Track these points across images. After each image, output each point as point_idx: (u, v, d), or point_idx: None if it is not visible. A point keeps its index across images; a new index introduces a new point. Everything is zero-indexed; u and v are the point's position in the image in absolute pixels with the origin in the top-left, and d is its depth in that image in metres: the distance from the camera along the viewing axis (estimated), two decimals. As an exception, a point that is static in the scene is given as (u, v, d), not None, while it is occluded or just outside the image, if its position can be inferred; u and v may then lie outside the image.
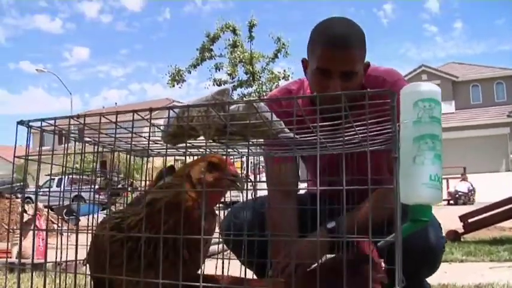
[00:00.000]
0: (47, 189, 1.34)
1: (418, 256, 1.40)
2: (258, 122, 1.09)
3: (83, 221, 1.54)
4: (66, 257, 1.23)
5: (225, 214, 1.68)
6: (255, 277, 1.49)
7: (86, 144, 1.25)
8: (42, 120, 1.09)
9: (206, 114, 1.08)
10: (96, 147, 1.27)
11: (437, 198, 0.99)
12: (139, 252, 1.00)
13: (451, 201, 15.31)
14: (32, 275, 1.18)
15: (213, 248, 1.52)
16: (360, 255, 1.10)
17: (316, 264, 1.25)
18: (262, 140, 1.31)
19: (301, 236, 1.49)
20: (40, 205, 4.47)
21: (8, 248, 3.85)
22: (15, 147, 1.12)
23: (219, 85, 14.88)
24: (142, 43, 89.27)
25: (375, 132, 1.09)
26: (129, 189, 1.47)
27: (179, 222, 0.98)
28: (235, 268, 1.35)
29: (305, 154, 1.50)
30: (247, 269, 1.20)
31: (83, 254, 1.18)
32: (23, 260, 1.76)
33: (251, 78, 15.17)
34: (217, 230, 1.32)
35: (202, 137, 1.19)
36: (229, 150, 1.30)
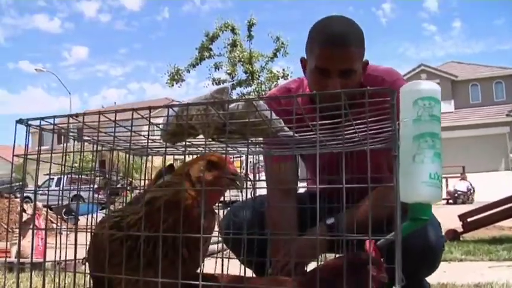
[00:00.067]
0: (46, 189, 1.33)
1: (417, 255, 1.40)
2: (258, 120, 1.09)
3: (82, 220, 1.54)
4: (66, 256, 1.23)
5: (225, 213, 1.68)
6: (254, 276, 1.49)
7: (85, 143, 1.25)
8: (42, 119, 1.09)
9: (205, 113, 1.08)
10: (95, 146, 1.27)
11: (437, 196, 0.99)
12: (139, 251, 1.00)
13: (450, 201, 15.31)
14: (31, 275, 1.17)
15: (213, 247, 1.52)
16: (361, 254, 1.09)
17: (316, 263, 1.25)
18: (261, 138, 1.31)
19: (301, 235, 1.49)
20: (39, 204, 4.46)
21: (7, 247, 3.85)
22: (14, 146, 1.11)
23: (218, 84, 14.86)
24: (141, 42, 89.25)
25: (374, 131, 1.09)
26: (128, 188, 1.47)
27: (178, 220, 0.98)
28: (234, 267, 1.35)
29: (304, 153, 1.50)
30: (246, 268, 1.20)
31: (82, 253, 1.18)
32: (22, 260, 1.77)
33: (250, 78, 15.17)
34: (216, 228, 1.32)
35: (201, 136, 1.19)
36: (228, 149, 1.30)
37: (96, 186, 1.63)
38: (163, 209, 1.00)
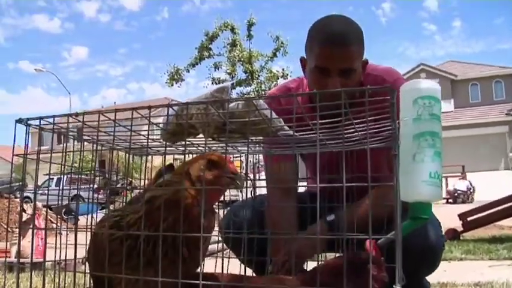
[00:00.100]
0: (46, 189, 1.33)
1: (417, 254, 1.40)
2: (258, 119, 1.08)
3: (82, 220, 1.54)
4: (66, 255, 1.23)
5: (225, 213, 1.68)
6: (254, 275, 1.49)
7: (85, 143, 1.25)
8: (41, 118, 1.09)
9: (205, 112, 1.08)
10: (95, 145, 1.27)
11: (437, 195, 0.99)
12: (139, 250, 1.00)
13: (450, 200, 15.30)
14: (31, 274, 1.17)
15: (212, 247, 1.52)
16: (361, 253, 1.09)
17: (316, 261, 1.25)
18: (261, 137, 1.31)
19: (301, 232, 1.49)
20: (39, 204, 4.46)
21: (7, 247, 3.85)
22: (13, 145, 1.11)
23: (218, 84, 14.84)
24: (141, 42, 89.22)
25: (374, 130, 1.08)
26: (128, 188, 1.47)
27: (178, 219, 0.98)
28: (234, 267, 1.35)
29: (304, 152, 1.50)
30: (246, 268, 1.20)
31: (82, 253, 1.17)
32: (22, 260, 1.77)
33: (250, 77, 15.15)
34: (216, 228, 1.32)
35: (201, 135, 1.19)
36: (228, 148, 1.30)
37: (95, 186, 1.63)
38: (163, 208, 1.00)
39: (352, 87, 1.46)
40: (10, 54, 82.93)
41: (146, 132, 1.17)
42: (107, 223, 1.07)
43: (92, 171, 1.57)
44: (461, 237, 5.38)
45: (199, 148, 1.35)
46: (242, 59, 15.05)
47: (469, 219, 5.46)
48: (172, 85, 15.78)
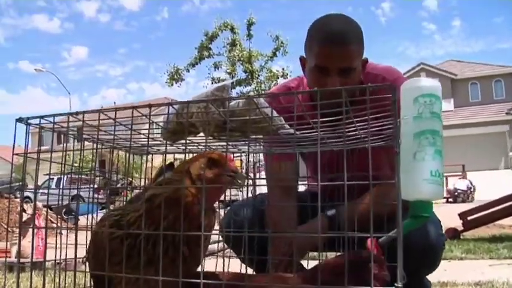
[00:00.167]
0: (46, 189, 1.33)
1: (418, 253, 1.40)
2: (258, 118, 1.08)
3: (82, 220, 1.54)
4: (66, 255, 1.22)
5: (225, 212, 1.67)
6: (255, 274, 1.49)
7: (85, 143, 1.25)
8: (41, 117, 1.08)
9: (206, 111, 1.07)
10: (95, 145, 1.26)
11: (438, 194, 0.98)
12: (139, 248, 1.00)
13: (450, 199, 15.30)
14: (31, 274, 1.17)
15: (212, 246, 1.52)
16: (362, 252, 1.09)
17: (317, 261, 1.24)
18: (262, 136, 1.31)
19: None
20: (39, 204, 4.46)
21: (7, 247, 3.84)
22: (13, 144, 1.11)
23: (218, 83, 14.81)
24: (141, 42, 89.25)
25: (374, 129, 1.08)
26: (128, 188, 1.46)
27: (179, 217, 0.97)
28: (235, 266, 1.35)
29: (305, 151, 1.50)
30: (247, 267, 1.20)
31: (82, 253, 1.17)
32: (22, 259, 1.76)
33: (250, 77, 15.14)
34: (217, 227, 1.32)
35: (202, 134, 1.19)
36: (229, 146, 1.30)
37: (96, 186, 1.63)
38: (164, 206, 1.00)
39: (352, 85, 1.46)
40: (10, 54, 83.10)
41: (146, 131, 1.17)
42: (107, 222, 1.07)
43: (92, 171, 1.57)
44: (461, 237, 5.38)
45: (199, 147, 1.35)
46: (242, 59, 15.03)
47: (469, 218, 5.47)
48: (172, 85, 15.77)
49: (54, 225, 5.75)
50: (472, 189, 15.74)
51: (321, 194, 1.02)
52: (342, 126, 1.07)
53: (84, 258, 1.17)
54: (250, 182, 1.31)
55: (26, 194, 1.81)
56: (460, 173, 16.51)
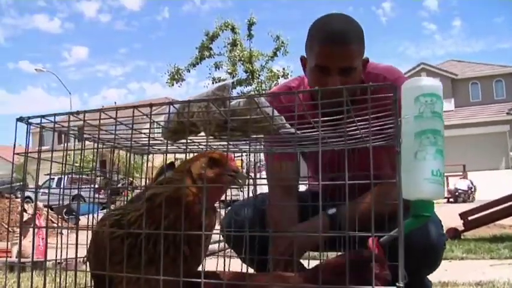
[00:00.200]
0: (47, 189, 1.33)
1: (419, 253, 1.40)
2: (259, 117, 1.08)
3: (83, 220, 1.54)
4: (66, 255, 1.22)
5: (226, 212, 1.67)
6: (256, 273, 1.49)
7: (86, 142, 1.25)
8: (42, 117, 1.08)
9: (207, 110, 1.07)
10: (95, 144, 1.26)
11: (440, 193, 0.98)
12: (140, 248, 1.00)
13: (451, 199, 15.30)
14: (32, 274, 1.17)
15: (213, 246, 1.52)
16: (364, 251, 1.09)
17: (317, 260, 1.24)
18: (263, 135, 1.31)
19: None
20: (40, 204, 4.46)
21: (7, 247, 3.85)
22: (14, 144, 1.11)
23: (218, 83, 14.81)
24: (141, 42, 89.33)
25: (375, 129, 1.08)
26: (128, 188, 1.46)
27: (179, 217, 0.97)
28: (235, 266, 1.35)
29: (306, 150, 1.50)
30: (248, 267, 1.20)
31: (83, 253, 1.17)
32: (23, 259, 1.76)
33: (250, 77, 15.15)
34: (217, 227, 1.32)
35: (202, 133, 1.19)
36: (230, 146, 1.30)
37: (96, 186, 1.63)
38: (165, 205, 1.00)
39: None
40: (10, 54, 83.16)
41: (147, 131, 1.17)
42: (108, 221, 1.07)
43: (93, 171, 1.57)
44: (462, 237, 5.38)
45: (200, 146, 1.35)
46: (243, 59, 15.04)
47: (470, 218, 5.46)
48: (172, 85, 15.78)
49: (55, 225, 5.75)
50: (472, 189, 15.74)
51: (322, 193, 1.02)
52: (342, 126, 1.07)
53: (85, 258, 1.17)
54: (251, 181, 1.31)
55: (26, 193, 1.82)
56: (461, 173, 16.51)
